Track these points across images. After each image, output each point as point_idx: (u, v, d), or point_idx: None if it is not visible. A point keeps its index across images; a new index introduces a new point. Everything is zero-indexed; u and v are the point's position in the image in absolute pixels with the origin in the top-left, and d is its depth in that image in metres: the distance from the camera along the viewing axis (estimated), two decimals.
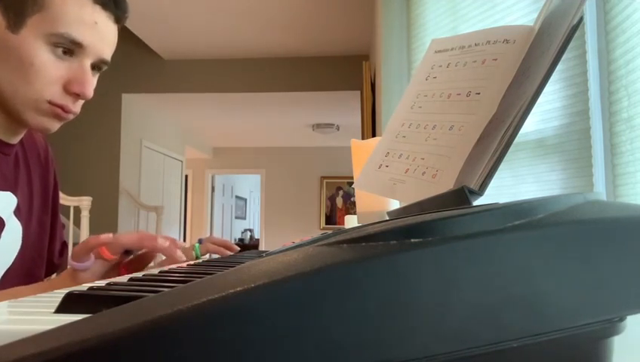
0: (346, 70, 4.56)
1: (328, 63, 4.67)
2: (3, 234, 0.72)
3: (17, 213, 0.76)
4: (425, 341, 0.21)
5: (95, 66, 0.73)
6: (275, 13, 3.80)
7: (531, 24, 0.57)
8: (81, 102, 0.72)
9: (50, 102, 0.68)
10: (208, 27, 4.10)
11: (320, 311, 0.20)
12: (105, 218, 4.35)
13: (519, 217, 0.24)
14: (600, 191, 0.99)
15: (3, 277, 0.74)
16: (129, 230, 4.76)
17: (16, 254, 0.76)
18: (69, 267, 0.69)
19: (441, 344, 0.21)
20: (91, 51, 0.70)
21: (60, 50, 0.67)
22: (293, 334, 0.20)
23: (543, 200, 0.26)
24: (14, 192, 0.75)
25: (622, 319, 0.25)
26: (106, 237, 0.65)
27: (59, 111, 0.69)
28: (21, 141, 0.79)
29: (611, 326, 0.25)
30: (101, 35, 0.70)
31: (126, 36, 4.21)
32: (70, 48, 0.68)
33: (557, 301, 0.23)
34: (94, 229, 3.02)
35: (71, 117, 0.71)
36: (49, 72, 0.67)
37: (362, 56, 4.32)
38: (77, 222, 2.77)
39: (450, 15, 1.79)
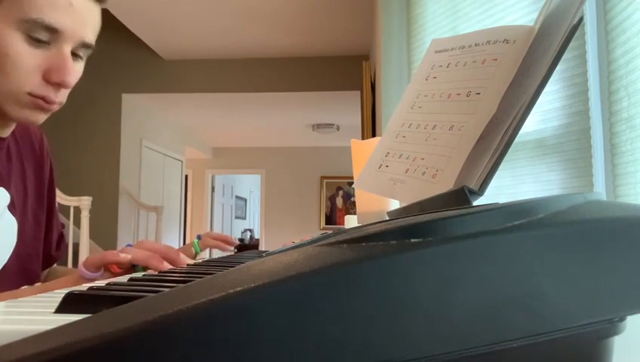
0: (346, 70, 4.55)
1: (328, 63, 4.67)
2: None
3: (12, 208, 0.74)
4: (425, 341, 0.21)
5: (77, 51, 0.68)
6: (275, 13, 3.79)
7: (531, 24, 0.57)
8: (65, 91, 0.68)
9: (30, 94, 0.65)
10: (208, 27, 4.09)
11: (320, 311, 0.20)
12: (105, 218, 4.35)
13: (519, 217, 0.24)
14: (600, 191, 0.99)
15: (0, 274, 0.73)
16: (128, 231, 4.76)
17: (12, 250, 0.75)
18: (78, 274, 0.67)
19: (441, 344, 0.21)
20: (69, 36, 0.65)
21: (35, 38, 0.63)
22: (293, 334, 0.20)
23: (543, 200, 0.26)
24: (7, 187, 0.73)
25: (622, 319, 0.25)
26: (125, 257, 0.63)
27: (41, 102, 0.66)
28: (14, 133, 0.77)
29: (611, 326, 0.25)
30: (79, 17, 0.66)
31: (126, 36, 4.21)
32: (46, 34, 0.64)
33: (557, 301, 0.23)
34: (94, 229, 3.02)
35: (55, 107, 0.68)
36: (25, 62, 0.63)
37: (362, 56, 4.32)
38: (77, 222, 2.77)
39: (450, 15, 1.79)
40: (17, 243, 0.76)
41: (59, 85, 0.66)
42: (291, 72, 4.73)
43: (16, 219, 0.75)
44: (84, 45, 0.68)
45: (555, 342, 0.23)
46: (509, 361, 0.23)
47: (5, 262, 0.74)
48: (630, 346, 0.28)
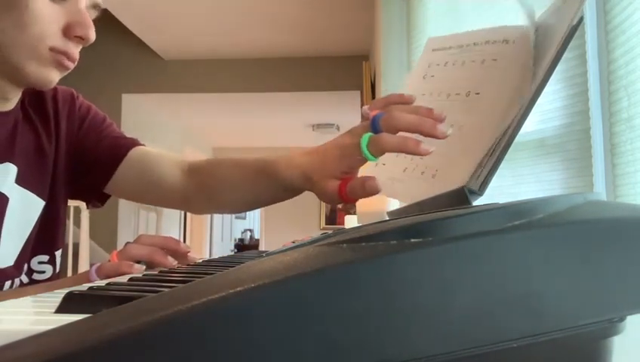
0: (346, 70, 4.55)
1: (328, 63, 4.66)
2: (9, 207, 0.69)
3: (22, 182, 0.72)
4: (425, 341, 0.21)
5: (87, 11, 0.67)
6: (274, 13, 3.79)
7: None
8: (78, 49, 0.67)
9: (52, 49, 0.64)
10: (208, 27, 4.09)
11: (320, 311, 0.20)
12: (105, 218, 4.35)
13: (519, 217, 0.24)
14: (600, 191, 0.99)
15: (24, 249, 0.72)
16: (128, 231, 4.76)
17: (34, 223, 0.73)
18: (85, 276, 0.66)
19: (441, 344, 0.21)
20: None
21: None
22: (293, 334, 0.20)
23: (543, 201, 0.26)
24: (11, 161, 0.71)
25: (622, 319, 0.25)
26: (139, 268, 0.63)
27: (62, 58, 0.65)
28: (24, 105, 0.75)
29: (611, 326, 0.25)
30: None
31: (126, 36, 4.21)
32: None
33: (557, 301, 0.23)
34: (94, 229, 3.02)
35: (72, 66, 0.67)
36: (47, 15, 0.62)
37: (362, 56, 4.32)
38: (77, 222, 2.77)
39: (451, 15, 1.79)
40: (42, 212, 0.74)
41: (80, 40, 0.65)
42: (291, 72, 4.72)
43: (32, 190, 0.73)
44: (95, 5, 0.68)
45: (555, 342, 0.23)
46: (509, 361, 0.23)
47: (27, 236, 0.73)
48: (630, 346, 0.28)
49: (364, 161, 0.55)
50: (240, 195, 0.78)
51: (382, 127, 0.54)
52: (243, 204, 0.81)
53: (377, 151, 0.53)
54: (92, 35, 0.66)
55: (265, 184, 0.72)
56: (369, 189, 0.54)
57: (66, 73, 0.68)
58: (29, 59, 0.64)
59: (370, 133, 0.54)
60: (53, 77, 0.66)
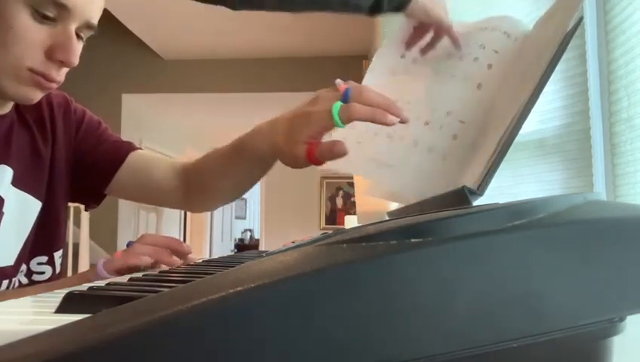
0: (346, 70, 4.55)
1: (328, 63, 4.67)
2: (6, 208, 0.70)
3: (19, 183, 0.72)
4: (425, 341, 0.21)
5: (80, 31, 0.67)
6: (274, 13, 3.80)
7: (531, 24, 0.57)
8: (65, 70, 0.67)
9: (31, 70, 0.63)
10: (208, 27, 4.09)
11: (320, 311, 0.20)
12: (105, 218, 4.35)
13: (519, 217, 0.24)
14: (600, 191, 0.99)
15: (22, 250, 0.72)
16: (128, 231, 4.76)
17: (32, 224, 0.74)
18: (91, 274, 0.66)
19: (441, 344, 0.21)
20: (77, 14, 0.64)
21: (42, 13, 0.62)
22: (293, 334, 0.20)
23: (543, 201, 0.26)
24: (6, 163, 0.71)
25: (622, 319, 0.25)
26: (147, 259, 0.63)
27: (40, 79, 0.64)
28: (19, 108, 0.75)
29: (611, 326, 0.25)
30: None
31: (126, 36, 4.21)
32: (54, 11, 0.62)
33: (557, 301, 0.23)
34: (94, 229, 3.02)
35: (54, 86, 0.67)
36: (29, 36, 0.62)
37: (362, 56, 4.32)
38: (77, 222, 2.77)
39: (450, 15, 1.79)
40: (40, 213, 0.75)
41: (62, 63, 0.65)
42: (291, 72, 4.73)
43: (30, 192, 0.73)
44: (89, 26, 0.67)
45: (555, 342, 0.23)
46: (509, 361, 0.23)
47: (26, 238, 0.73)
48: (630, 346, 0.28)
49: (333, 127, 0.58)
50: (226, 182, 0.80)
51: (353, 98, 0.57)
52: (233, 189, 0.82)
53: (347, 119, 0.56)
54: (74, 60, 0.65)
55: (243, 163, 0.74)
56: (337, 151, 0.57)
57: (47, 92, 0.68)
58: (7, 77, 0.64)
59: (340, 103, 0.57)
60: (33, 95, 0.67)
